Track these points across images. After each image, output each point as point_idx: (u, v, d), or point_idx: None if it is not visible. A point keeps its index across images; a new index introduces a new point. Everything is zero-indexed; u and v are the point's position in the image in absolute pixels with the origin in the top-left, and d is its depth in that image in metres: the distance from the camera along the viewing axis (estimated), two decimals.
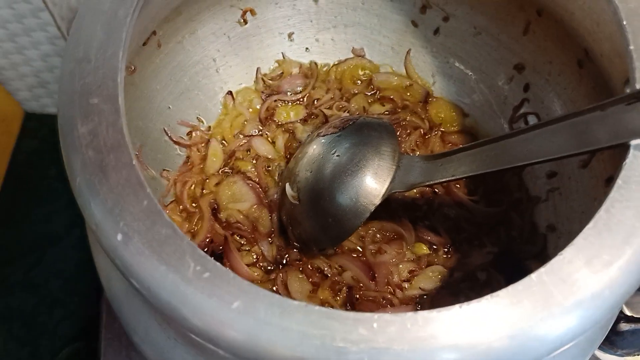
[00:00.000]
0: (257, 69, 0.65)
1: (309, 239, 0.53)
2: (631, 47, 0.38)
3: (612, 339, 0.59)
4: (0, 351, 0.78)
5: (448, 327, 0.29)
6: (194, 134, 0.60)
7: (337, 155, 0.52)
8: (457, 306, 0.30)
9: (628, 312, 0.57)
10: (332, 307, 0.52)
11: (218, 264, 0.30)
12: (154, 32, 0.51)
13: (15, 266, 0.86)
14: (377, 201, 0.49)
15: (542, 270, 0.30)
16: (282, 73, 0.65)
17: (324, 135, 0.54)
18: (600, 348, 0.60)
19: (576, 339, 0.30)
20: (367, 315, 0.30)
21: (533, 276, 0.30)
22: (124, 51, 0.36)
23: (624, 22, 0.38)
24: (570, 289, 0.30)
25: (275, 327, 0.29)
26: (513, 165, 0.43)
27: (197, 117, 0.61)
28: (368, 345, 0.29)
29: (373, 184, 0.50)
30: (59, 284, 0.86)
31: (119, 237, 0.31)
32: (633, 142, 0.35)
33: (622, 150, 0.35)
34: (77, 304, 0.85)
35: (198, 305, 0.29)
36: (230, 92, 0.63)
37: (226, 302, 0.29)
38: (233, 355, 0.30)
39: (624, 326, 0.57)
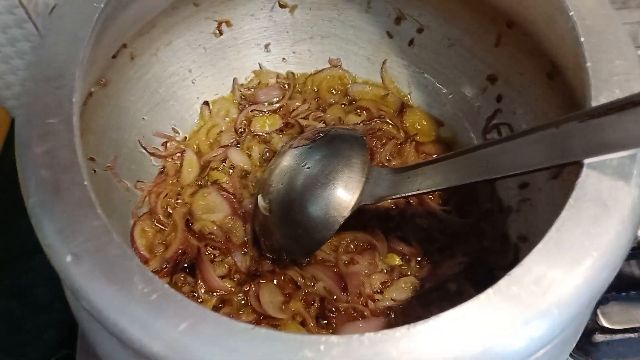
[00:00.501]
0: (234, 79, 0.65)
1: (280, 250, 0.54)
2: (588, 64, 0.38)
3: (588, 350, 0.59)
4: None
5: (395, 348, 0.29)
6: (169, 145, 0.60)
7: (307, 167, 0.52)
8: (405, 327, 0.30)
9: (604, 323, 0.57)
10: (305, 318, 0.52)
11: (166, 285, 0.31)
12: (124, 45, 0.52)
13: (2, 273, 0.87)
14: (347, 213, 0.49)
15: (490, 291, 0.31)
16: (259, 83, 0.65)
17: (296, 147, 0.54)
18: (576, 359, 0.60)
19: (546, 346, 0.31)
20: (314, 337, 0.30)
21: (481, 296, 0.31)
22: (83, 72, 0.36)
23: (582, 39, 0.39)
24: (518, 308, 0.30)
25: (222, 349, 0.29)
26: (480, 179, 0.43)
27: (173, 128, 0.61)
28: None
29: (343, 196, 0.50)
30: (46, 290, 0.86)
31: (69, 258, 0.31)
32: (586, 161, 0.35)
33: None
34: (64, 310, 0.85)
35: (146, 326, 0.30)
36: (206, 102, 0.63)
37: (174, 323, 0.30)
38: None
39: (600, 337, 0.57)
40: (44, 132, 0.34)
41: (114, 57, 0.51)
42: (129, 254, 0.31)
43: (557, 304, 0.31)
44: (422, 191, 0.46)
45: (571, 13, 0.39)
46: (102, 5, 0.39)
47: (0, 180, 0.92)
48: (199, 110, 0.63)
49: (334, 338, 0.30)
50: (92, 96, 0.48)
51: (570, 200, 0.34)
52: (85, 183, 0.32)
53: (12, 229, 0.89)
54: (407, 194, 0.48)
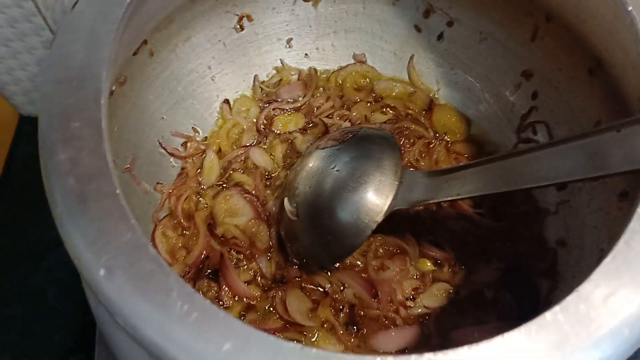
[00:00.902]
0: (255, 76, 0.62)
1: (308, 256, 0.51)
2: None
3: None
4: None
5: None
6: (189, 145, 0.58)
7: (336, 170, 0.50)
8: (465, 347, 0.28)
9: None
10: (334, 326, 0.50)
11: (207, 301, 0.28)
12: (145, 42, 0.49)
13: (11, 275, 0.84)
14: (379, 218, 0.47)
15: (557, 309, 0.28)
16: (281, 80, 0.63)
17: (323, 148, 0.52)
18: None
19: None
20: (368, 357, 0.28)
21: (547, 315, 0.28)
22: (108, 71, 0.34)
23: None
24: (587, 329, 0.28)
25: None
26: (520, 187, 0.41)
27: (193, 127, 0.59)
28: None
29: (375, 200, 0.48)
30: (55, 292, 0.84)
31: (102, 272, 0.29)
32: None
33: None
34: (74, 313, 0.83)
35: (186, 346, 0.27)
36: (227, 101, 0.61)
37: (216, 344, 0.27)
38: None
39: None
40: (68, 137, 0.32)
41: (134, 54, 0.48)
42: (165, 268, 0.29)
43: (627, 323, 0.28)
44: (461, 196, 0.44)
45: (630, 8, 0.37)
46: (128, 0, 0.37)
47: (8, 180, 0.91)
48: (219, 109, 0.61)
49: (390, 358, 0.27)
50: (112, 95, 0.46)
51: (638, 210, 0.31)
52: (117, 192, 0.30)
53: (19, 231, 0.87)
54: (444, 199, 0.46)
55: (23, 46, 0.80)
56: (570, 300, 0.29)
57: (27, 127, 0.95)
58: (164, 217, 0.54)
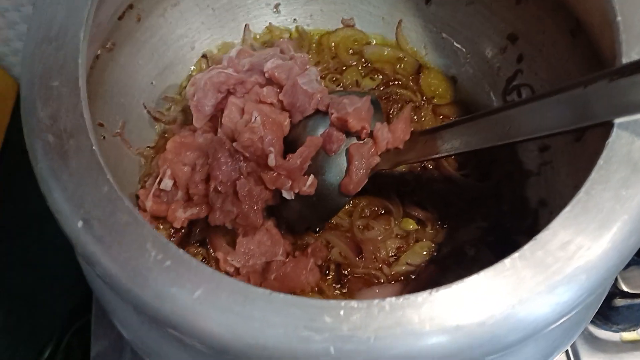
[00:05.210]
0: (246, 26, 0.62)
1: (294, 219, 0.52)
2: (618, 19, 0.36)
3: (608, 314, 0.58)
4: (0, 328, 0.79)
5: (416, 314, 0.29)
6: (172, 108, 0.58)
7: (320, 135, 0.50)
8: (426, 292, 0.29)
9: (624, 288, 0.56)
10: (320, 287, 0.52)
11: (181, 250, 0.30)
12: (131, 6, 0.50)
13: (13, 243, 0.87)
14: None
15: (516, 255, 0.29)
16: (271, 39, 0.63)
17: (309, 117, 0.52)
18: (595, 324, 0.60)
19: (567, 315, 0.30)
20: (333, 302, 0.29)
21: (506, 261, 0.29)
22: (86, 31, 0.35)
23: None
24: (544, 274, 0.29)
25: (237, 316, 0.28)
26: (507, 141, 0.41)
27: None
28: (332, 333, 0.28)
29: None
30: (58, 260, 0.85)
31: (80, 224, 0.30)
32: (617, 121, 0.33)
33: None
34: (75, 280, 0.85)
35: (159, 293, 0.29)
36: (204, 55, 0.61)
37: (188, 291, 0.29)
38: (198, 344, 0.29)
39: (620, 301, 0.56)
40: (48, 95, 0.33)
41: (119, 18, 0.49)
42: (140, 220, 0.30)
43: (584, 269, 0.30)
44: (441, 154, 0.45)
45: None
46: None
47: (9, 151, 0.92)
48: (196, 63, 0.61)
49: (353, 303, 0.29)
50: (98, 59, 0.47)
51: (600, 162, 0.32)
52: (94, 148, 0.31)
53: (22, 199, 0.89)
54: (426, 158, 0.47)
55: (19, 16, 0.81)
56: (528, 247, 0.30)
57: None
58: (149, 180, 0.54)
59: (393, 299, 0.29)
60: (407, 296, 0.29)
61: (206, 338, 0.29)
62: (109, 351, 0.58)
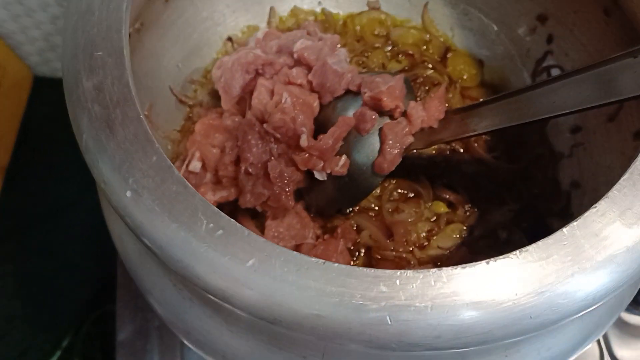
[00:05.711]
0: (271, 8, 0.61)
1: (325, 201, 0.52)
2: None
3: (639, 300, 0.57)
4: (19, 316, 0.79)
5: (473, 284, 0.28)
6: (198, 91, 0.58)
7: (353, 115, 0.50)
8: (483, 262, 0.29)
9: None
10: None
11: (232, 220, 0.29)
12: None
13: (32, 232, 0.86)
14: None
15: (574, 224, 0.29)
16: (296, 21, 0.62)
17: (338, 98, 0.52)
18: (626, 309, 0.59)
19: (608, 296, 0.29)
20: (389, 272, 0.28)
21: (565, 230, 0.29)
22: (128, 2, 0.34)
23: None
24: (602, 243, 0.28)
25: (292, 285, 0.28)
26: (536, 118, 0.41)
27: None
28: (389, 302, 0.28)
29: None
30: (76, 248, 0.85)
31: (128, 194, 0.29)
32: None
33: None
34: (94, 268, 0.85)
35: (212, 263, 0.28)
36: (230, 39, 0.60)
37: (241, 260, 0.28)
38: (249, 314, 0.29)
39: None
40: (93, 65, 0.33)
41: None
42: (190, 190, 0.29)
43: (619, 256, 0.29)
44: (477, 132, 0.44)
45: None
46: None
47: (27, 141, 0.92)
48: (222, 46, 0.60)
49: (409, 272, 0.28)
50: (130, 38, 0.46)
51: None
52: (141, 117, 0.30)
53: (39, 189, 0.89)
54: (459, 137, 0.46)
55: (37, 4, 0.80)
56: (587, 215, 0.29)
57: (42, 88, 0.96)
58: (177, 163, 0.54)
59: (449, 268, 0.28)
60: (463, 265, 0.28)
61: (259, 308, 0.28)
62: (135, 336, 0.57)
